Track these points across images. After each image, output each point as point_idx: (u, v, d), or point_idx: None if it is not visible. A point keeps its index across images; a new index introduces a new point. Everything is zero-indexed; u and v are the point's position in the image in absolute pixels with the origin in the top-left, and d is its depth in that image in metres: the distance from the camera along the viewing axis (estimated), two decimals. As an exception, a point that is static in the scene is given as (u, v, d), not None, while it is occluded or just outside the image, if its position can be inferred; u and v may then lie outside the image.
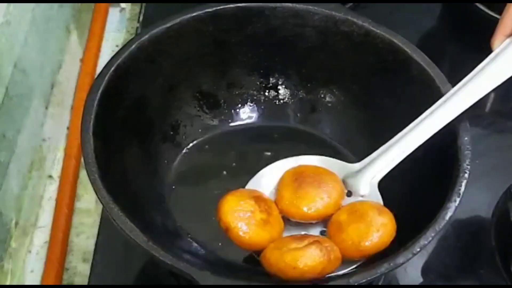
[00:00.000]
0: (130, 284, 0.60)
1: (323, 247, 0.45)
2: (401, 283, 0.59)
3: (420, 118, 0.52)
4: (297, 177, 0.51)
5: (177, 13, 0.57)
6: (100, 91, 0.52)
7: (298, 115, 0.63)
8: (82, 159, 0.54)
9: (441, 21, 0.82)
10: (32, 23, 0.69)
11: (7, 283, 0.63)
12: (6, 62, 0.63)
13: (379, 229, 0.47)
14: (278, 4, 0.58)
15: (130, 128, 0.56)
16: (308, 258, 0.45)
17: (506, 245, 0.61)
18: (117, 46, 0.87)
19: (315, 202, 0.50)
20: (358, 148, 0.60)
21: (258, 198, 0.49)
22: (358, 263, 0.48)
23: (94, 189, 0.47)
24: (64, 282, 0.67)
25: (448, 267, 0.60)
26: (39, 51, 0.72)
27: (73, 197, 0.73)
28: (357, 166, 0.53)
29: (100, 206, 0.65)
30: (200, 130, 0.62)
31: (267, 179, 0.53)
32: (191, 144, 0.59)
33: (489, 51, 0.55)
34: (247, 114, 0.63)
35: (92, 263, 0.61)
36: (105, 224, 0.62)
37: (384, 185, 0.57)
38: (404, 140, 0.52)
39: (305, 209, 0.50)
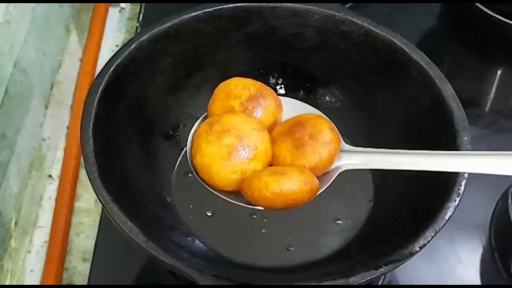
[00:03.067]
0: (130, 284, 0.60)
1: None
2: (401, 283, 0.59)
3: (423, 152, 0.48)
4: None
5: (176, 13, 0.57)
6: (99, 91, 0.52)
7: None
8: (81, 159, 0.54)
9: (441, 21, 0.82)
10: (32, 23, 0.69)
11: (7, 283, 0.63)
12: (6, 62, 0.63)
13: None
14: (278, 4, 0.58)
15: (130, 128, 0.56)
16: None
17: (506, 245, 0.61)
18: (116, 46, 0.87)
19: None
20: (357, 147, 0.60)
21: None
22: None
23: (93, 188, 0.47)
24: (64, 282, 0.67)
25: (448, 267, 0.60)
26: (39, 51, 0.72)
27: (72, 197, 0.73)
28: (346, 146, 0.51)
29: (100, 206, 0.65)
30: (200, 130, 0.62)
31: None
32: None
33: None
34: (247, 114, 0.63)
35: (92, 263, 0.61)
36: (105, 224, 0.62)
37: (384, 185, 0.57)
38: (392, 157, 0.49)
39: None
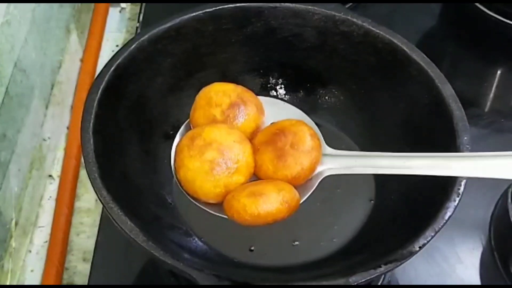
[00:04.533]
0: (130, 284, 0.60)
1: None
2: (401, 283, 0.59)
3: (410, 154, 0.47)
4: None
5: (177, 13, 0.57)
6: (100, 91, 0.52)
7: (298, 115, 0.63)
8: (82, 159, 0.55)
9: (441, 21, 0.82)
10: (32, 23, 0.69)
11: (7, 283, 0.63)
12: (6, 62, 0.63)
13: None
14: (277, 4, 0.58)
15: (130, 128, 0.56)
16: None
17: (505, 245, 0.61)
18: (117, 46, 0.87)
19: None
20: (357, 147, 0.60)
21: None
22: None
23: (94, 188, 0.47)
24: (64, 282, 0.67)
25: (447, 267, 0.60)
26: (39, 51, 0.72)
27: (73, 197, 0.73)
28: (328, 149, 0.51)
29: (100, 206, 0.65)
30: (200, 130, 0.62)
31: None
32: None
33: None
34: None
35: (92, 263, 0.61)
36: (105, 224, 0.63)
37: (385, 184, 0.57)
38: (378, 161, 0.48)
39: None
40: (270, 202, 0.46)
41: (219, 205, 0.49)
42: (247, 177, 0.49)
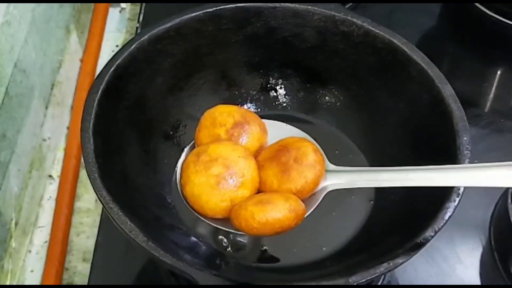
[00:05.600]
0: (130, 284, 0.60)
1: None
2: (401, 283, 0.59)
3: (410, 168, 0.47)
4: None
5: (177, 13, 0.57)
6: (100, 91, 0.52)
7: (298, 115, 0.63)
8: (82, 159, 0.55)
9: (441, 21, 0.82)
10: (32, 23, 0.69)
11: (7, 283, 0.63)
12: (6, 62, 0.63)
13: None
14: (277, 4, 0.58)
15: (130, 128, 0.56)
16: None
17: (506, 245, 0.61)
18: (117, 46, 0.87)
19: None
20: (357, 147, 0.60)
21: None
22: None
23: (94, 188, 0.47)
24: (64, 282, 0.67)
25: (447, 267, 0.60)
26: (39, 51, 0.72)
27: (73, 197, 0.73)
28: (331, 166, 0.51)
29: (100, 206, 0.65)
30: (200, 130, 0.62)
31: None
32: (191, 144, 0.59)
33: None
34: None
35: (92, 263, 0.61)
36: (105, 224, 0.63)
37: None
38: (379, 175, 0.49)
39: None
40: (278, 210, 0.46)
41: (225, 220, 0.49)
42: (253, 192, 0.49)
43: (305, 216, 0.48)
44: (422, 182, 0.46)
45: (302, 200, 0.48)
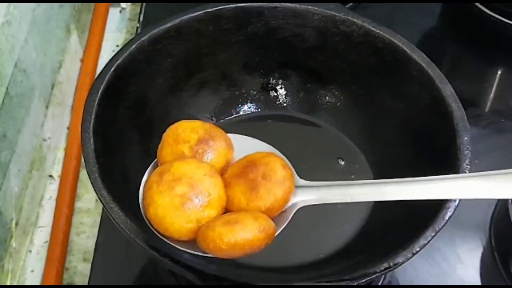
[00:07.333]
0: (130, 284, 0.60)
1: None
2: (401, 283, 0.59)
3: (383, 181, 0.47)
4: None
5: (177, 13, 0.57)
6: (100, 91, 0.52)
7: (298, 115, 0.63)
8: (82, 159, 0.54)
9: (441, 21, 0.82)
10: (32, 23, 0.69)
11: (7, 283, 0.63)
12: (6, 62, 0.63)
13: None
14: (278, 4, 0.58)
15: (130, 128, 0.56)
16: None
17: (506, 245, 0.61)
18: (117, 46, 0.87)
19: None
20: (357, 147, 0.60)
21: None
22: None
23: (94, 188, 0.47)
24: (64, 282, 0.67)
25: (447, 267, 0.60)
26: (39, 51, 0.72)
27: (73, 197, 0.73)
28: (300, 181, 0.49)
29: (100, 206, 0.65)
30: (200, 130, 0.62)
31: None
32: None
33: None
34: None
35: (92, 263, 0.61)
36: (105, 224, 0.63)
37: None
38: (351, 189, 0.48)
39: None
40: (248, 230, 0.44)
41: (192, 242, 0.46)
42: (220, 211, 0.47)
43: (275, 235, 0.46)
44: (395, 196, 0.46)
45: (272, 219, 0.46)
